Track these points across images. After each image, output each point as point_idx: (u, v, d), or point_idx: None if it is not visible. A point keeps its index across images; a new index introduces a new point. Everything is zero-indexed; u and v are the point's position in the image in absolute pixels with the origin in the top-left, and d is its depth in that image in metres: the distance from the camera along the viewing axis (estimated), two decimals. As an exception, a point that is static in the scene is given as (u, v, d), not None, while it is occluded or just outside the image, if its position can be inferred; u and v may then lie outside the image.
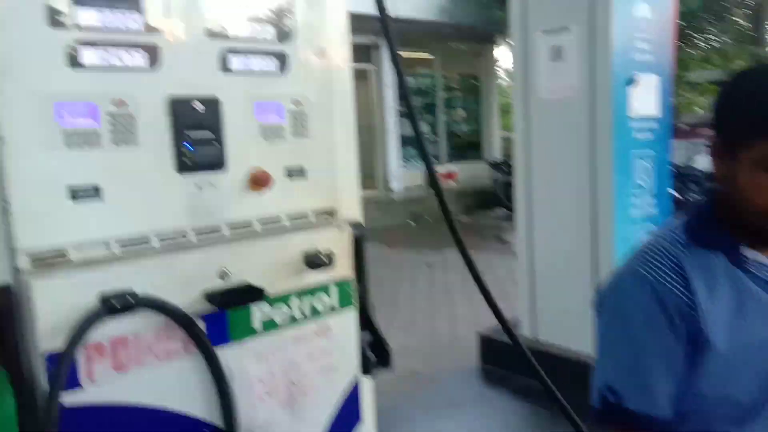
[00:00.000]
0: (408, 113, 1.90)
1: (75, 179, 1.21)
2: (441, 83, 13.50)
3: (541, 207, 3.45)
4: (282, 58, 1.53)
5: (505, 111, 13.98)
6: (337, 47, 1.73)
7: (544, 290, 3.51)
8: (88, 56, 1.22)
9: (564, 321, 3.37)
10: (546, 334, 3.51)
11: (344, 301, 1.65)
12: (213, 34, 1.41)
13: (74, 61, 1.20)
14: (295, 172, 1.56)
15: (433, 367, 4.03)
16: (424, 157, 1.91)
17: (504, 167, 10.84)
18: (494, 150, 14.41)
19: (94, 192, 1.24)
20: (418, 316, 5.25)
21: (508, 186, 9.18)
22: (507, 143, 13.19)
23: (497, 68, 14.86)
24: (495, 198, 11.22)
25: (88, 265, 1.22)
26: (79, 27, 1.21)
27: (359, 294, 1.74)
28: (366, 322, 1.79)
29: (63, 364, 1.09)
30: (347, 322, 1.67)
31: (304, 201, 1.59)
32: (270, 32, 1.51)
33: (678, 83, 10.26)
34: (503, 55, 15.55)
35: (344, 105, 1.77)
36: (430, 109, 13.41)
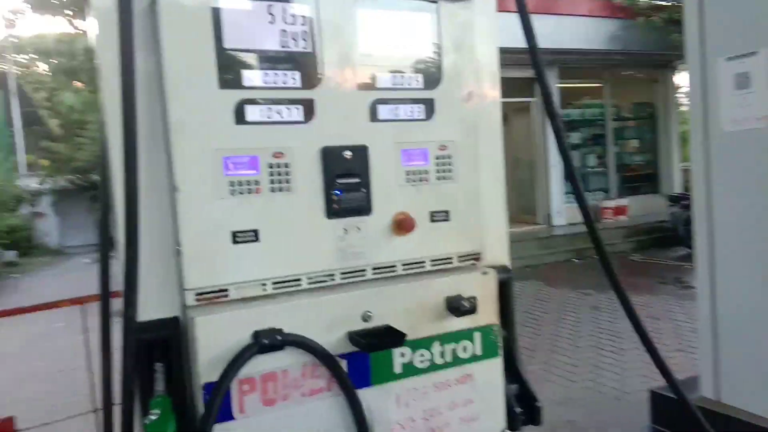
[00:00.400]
0: (559, 145, 1.79)
1: (237, 224, 1.33)
2: (611, 113, 12.75)
3: (725, 248, 3.04)
4: (429, 104, 1.56)
5: (687, 140, 12.75)
6: (486, 89, 1.72)
7: (728, 343, 3.07)
8: (252, 113, 1.35)
9: (753, 381, 2.91)
10: (731, 395, 3.05)
11: (488, 349, 1.59)
12: (363, 87, 1.47)
13: (240, 118, 1.34)
14: (439, 216, 1.56)
15: (595, 421, 3.72)
16: (576, 190, 1.79)
17: (684, 201, 9.84)
18: (673, 182, 13.18)
19: (253, 235, 1.35)
20: (580, 364, 4.90)
21: (688, 222, 8.30)
22: (688, 175, 11.99)
23: (677, 95, 13.66)
24: (673, 235, 10.20)
25: (245, 303, 1.32)
26: (245, 87, 1.34)
27: (505, 342, 1.68)
28: (513, 373, 1.71)
29: (217, 395, 1.19)
30: (492, 371, 1.61)
31: (448, 244, 1.58)
32: (418, 80, 1.55)
33: None
34: (684, 81, 14.27)
35: (492, 146, 1.75)
36: (598, 140, 12.72)
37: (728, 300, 3.06)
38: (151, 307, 1.30)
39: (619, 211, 12.05)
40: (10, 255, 14.04)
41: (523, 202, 12.41)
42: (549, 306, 6.91)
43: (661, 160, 13.34)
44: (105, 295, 1.61)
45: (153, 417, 1.18)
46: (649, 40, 11.14)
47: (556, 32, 10.53)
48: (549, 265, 9.59)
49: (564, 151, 1.77)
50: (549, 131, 11.32)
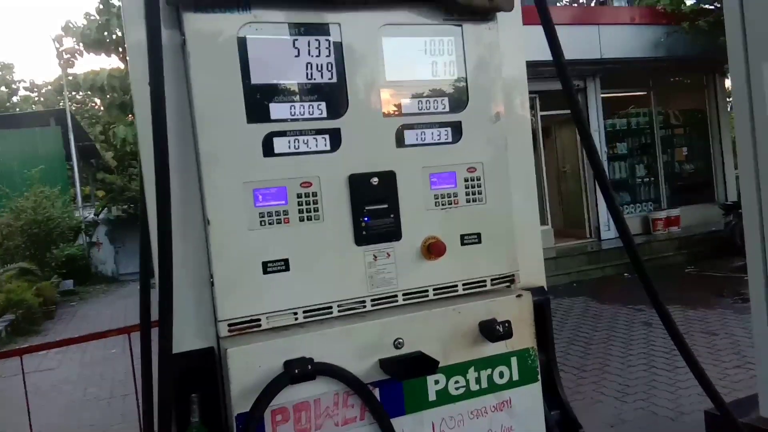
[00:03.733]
0: (589, 155, 1.74)
1: (267, 254, 1.35)
2: (658, 120, 12.40)
3: (781, 261, 2.89)
4: (456, 127, 1.55)
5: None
6: (514, 107, 1.70)
7: (790, 362, 2.90)
8: (279, 145, 1.38)
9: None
10: (795, 417, 2.87)
11: (526, 374, 1.56)
12: (389, 113, 1.49)
13: (268, 151, 1.36)
14: (470, 239, 1.55)
15: (651, 444, 3.57)
16: (610, 206, 1.73)
17: (740, 209, 9.41)
18: (728, 190, 12.67)
19: (284, 265, 1.36)
20: (633, 384, 4.71)
21: (745, 232, 7.94)
22: (743, 182, 11.48)
23: (728, 100, 13.18)
24: (729, 245, 9.76)
25: (277, 332, 1.34)
26: (272, 120, 1.37)
27: (545, 366, 1.63)
28: (554, 398, 1.66)
29: (250, 425, 1.20)
30: (531, 396, 1.57)
31: (481, 267, 1.56)
32: (444, 103, 1.55)
33: None
34: (734, 84, 13.75)
35: (523, 165, 1.72)
36: (647, 149, 12.37)
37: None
38: (187, 338, 1.33)
39: (671, 221, 11.63)
40: (68, 284, 14.67)
41: (570, 215, 12.16)
42: (599, 323, 6.70)
43: (715, 168, 12.86)
44: (146, 325, 1.66)
45: (188, 447, 1.20)
46: (695, 45, 10.83)
47: (596, 41, 10.38)
48: (598, 280, 9.32)
49: (598, 168, 1.72)
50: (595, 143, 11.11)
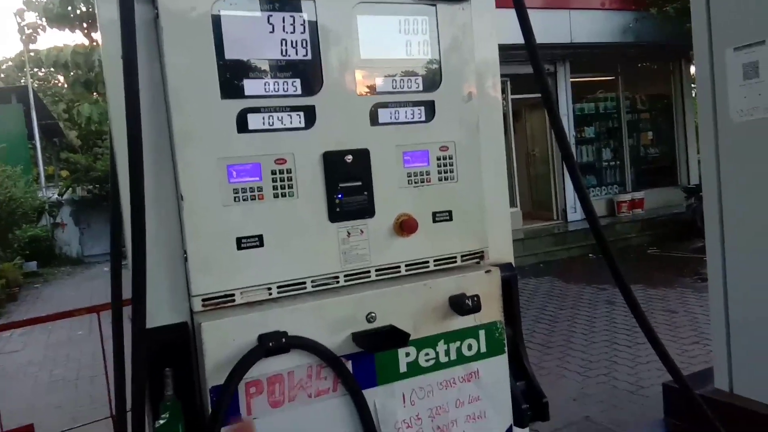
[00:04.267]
0: (558, 139, 1.79)
1: (241, 231, 1.36)
2: (625, 105, 12.64)
3: (735, 239, 3.02)
4: (429, 106, 1.57)
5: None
6: (486, 88, 1.73)
7: (740, 335, 3.04)
8: (254, 121, 1.38)
9: (765, 373, 2.88)
10: (743, 387, 3.03)
11: (494, 346, 1.61)
12: (364, 91, 1.50)
13: (243, 127, 1.37)
14: (441, 216, 1.58)
15: (611, 416, 3.70)
16: (576, 184, 1.78)
17: (701, 192, 9.72)
18: (690, 174, 13.03)
19: (258, 241, 1.38)
20: (595, 359, 4.88)
21: (706, 215, 8.21)
22: (705, 167, 11.82)
23: (693, 86, 13.48)
24: (691, 227, 10.08)
25: (251, 307, 1.36)
26: (246, 96, 1.37)
27: (511, 339, 1.69)
28: (519, 370, 1.72)
29: (224, 397, 1.22)
30: (498, 368, 1.62)
31: (451, 244, 1.60)
32: (417, 82, 1.57)
33: None
34: (698, 70, 14.06)
35: (494, 145, 1.76)
36: (613, 133, 12.61)
37: (740, 292, 3.03)
38: (160, 314, 1.34)
39: (636, 204, 11.94)
40: (32, 265, 14.31)
41: (538, 198, 12.36)
42: (564, 302, 6.87)
43: (678, 152, 13.20)
44: (117, 303, 1.66)
45: (162, 420, 1.22)
46: (662, 31, 11.02)
47: (567, 26, 10.47)
48: (564, 261, 9.53)
49: (567, 151, 1.77)
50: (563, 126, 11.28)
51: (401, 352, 1.49)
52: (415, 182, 1.56)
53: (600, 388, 4.24)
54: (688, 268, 8.11)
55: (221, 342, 1.28)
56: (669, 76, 13.14)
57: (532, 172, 12.51)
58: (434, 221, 1.58)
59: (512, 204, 10.24)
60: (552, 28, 9.93)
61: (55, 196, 18.14)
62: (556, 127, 1.76)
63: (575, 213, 11.25)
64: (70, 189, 18.09)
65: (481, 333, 1.59)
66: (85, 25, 11.74)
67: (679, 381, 1.77)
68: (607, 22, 11.10)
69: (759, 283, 2.91)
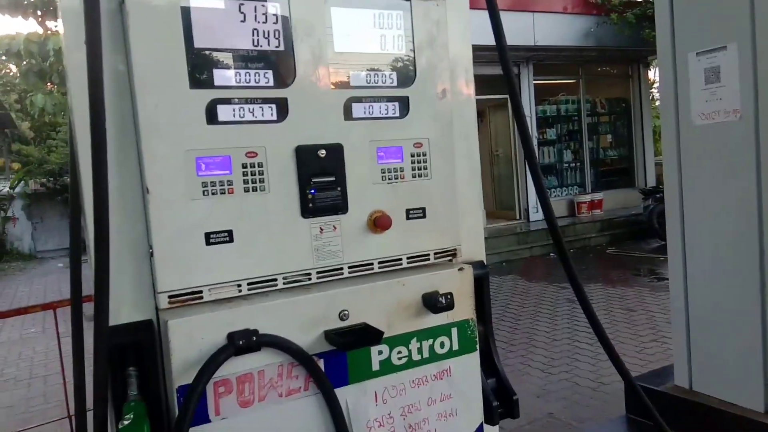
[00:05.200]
0: (523, 140, 1.82)
1: (210, 225, 1.32)
2: (586, 108, 12.93)
3: (696, 239, 3.10)
4: (403, 102, 1.56)
5: (661, 134, 12.97)
6: (460, 85, 1.73)
7: (699, 333, 3.13)
8: (224, 113, 1.34)
9: (723, 370, 2.97)
10: (702, 384, 3.12)
11: (466, 344, 1.61)
12: (337, 85, 1.47)
13: (212, 118, 1.32)
14: (415, 213, 1.57)
15: (573, 413, 3.77)
16: (537, 185, 1.81)
17: (657, 194, 10.04)
18: (648, 176, 13.42)
19: (227, 236, 1.34)
20: (558, 357, 4.96)
21: (662, 215, 8.48)
22: (662, 169, 12.20)
23: (651, 90, 13.89)
24: (648, 228, 10.39)
25: (220, 304, 1.31)
26: (217, 87, 1.33)
27: (482, 337, 1.69)
28: (490, 367, 1.72)
29: (192, 397, 1.18)
30: (469, 366, 1.62)
31: (425, 242, 1.59)
32: (392, 78, 1.55)
33: None
34: (657, 77, 14.51)
35: (467, 143, 1.75)
36: (574, 135, 12.89)
37: (699, 291, 3.12)
38: (124, 311, 1.29)
39: (595, 205, 12.22)
40: (-20, 261, 13.77)
41: (501, 197, 12.53)
42: (526, 300, 6.98)
43: (636, 155, 13.58)
44: (77, 300, 1.59)
45: (126, 422, 1.17)
46: (622, 37, 11.31)
47: (531, 29, 10.63)
48: (526, 260, 9.68)
49: (530, 152, 1.80)
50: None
51: (374, 350, 1.47)
52: (389, 179, 1.54)
53: (562, 385, 4.31)
54: (644, 267, 8.34)
55: (188, 340, 1.24)
56: (627, 80, 13.50)
57: (495, 172, 12.68)
58: (407, 218, 1.56)
59: (476, 203, 10.33)
60: (516, 30, 10.06)
61: (6, 189, 17.44)
62: (522, 129, 1.78)
63: (537, 213, 11.43)
64: (22, 182, 17.41)
65: (454, 331, 1.58)
66: (39, 12, 11.30)
67: (624, 377, 1.85)
68: (570, 26, 11.33)
69: (718, 281, 3.00)
